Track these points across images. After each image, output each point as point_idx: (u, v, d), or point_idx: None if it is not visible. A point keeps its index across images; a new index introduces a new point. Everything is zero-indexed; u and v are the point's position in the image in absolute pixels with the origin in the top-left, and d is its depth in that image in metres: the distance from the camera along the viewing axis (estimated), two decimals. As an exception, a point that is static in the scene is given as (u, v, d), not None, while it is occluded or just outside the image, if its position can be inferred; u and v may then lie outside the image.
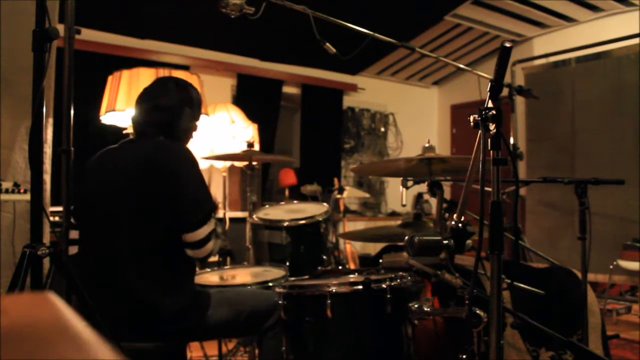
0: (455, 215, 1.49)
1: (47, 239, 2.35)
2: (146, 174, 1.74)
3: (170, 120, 1.87)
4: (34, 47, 1.42)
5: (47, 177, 2.51)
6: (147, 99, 1.89)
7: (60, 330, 0.41)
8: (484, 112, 1.28)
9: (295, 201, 3.26)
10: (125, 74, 2.74)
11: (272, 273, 2.36)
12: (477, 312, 1.61)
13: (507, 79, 2.88)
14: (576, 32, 5.54)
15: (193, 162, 1.78)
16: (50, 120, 2.58)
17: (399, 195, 2.12)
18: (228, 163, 3.72)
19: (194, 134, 2.00)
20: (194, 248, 1.76)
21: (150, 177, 1.74)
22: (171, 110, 1.87)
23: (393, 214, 6.69)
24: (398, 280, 1.78)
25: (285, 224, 2.58)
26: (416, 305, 1.78)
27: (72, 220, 1.91)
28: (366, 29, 2.13)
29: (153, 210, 1.73)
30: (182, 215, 1.74)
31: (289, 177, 5.53)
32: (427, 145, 1.97)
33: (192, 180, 1.76)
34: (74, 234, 1.91)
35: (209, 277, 2.38)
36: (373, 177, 6.82)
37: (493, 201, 1.30)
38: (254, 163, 2.90)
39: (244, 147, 2.85)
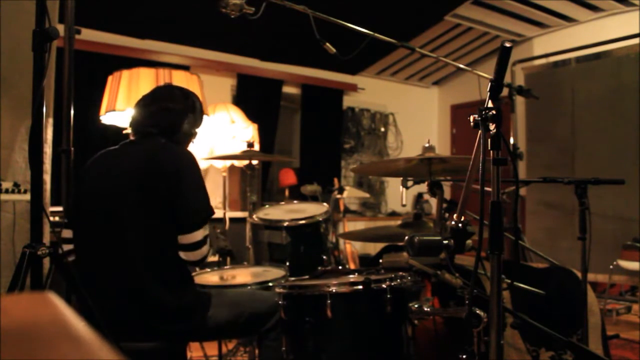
0: (455, 215, 1.49)
1: (47, 239, 2.35)
2: (148, 174, 1.75)
3: (173, 123, 1.89)
4: (34, 47, 1.42)
5: (47, 177, 2.51)
6: (151, 101, 1.91)
7: (60, 330, 0.41)
8: (484, 112, 1.28)
9: (295, 201, 3.26)
10: (125, 74, 2.74)
11: (272, 273, 2.36)
12: (477, 312, 1.61)
13: (507, 79, 2.88)
14: (576, 32, 5.54)
15: (195, 166, 1.79)
16: (50, 120, 2.58)
17: (399, 195, 2.12)
18: (228, 163, 3.72)
19: (193, 140, 2.02)
20: (188, 250, 1.77)
21: (152, 177, 1.74)
22: (175, 113, 1.89)
23: (393, 214, 6.69)
24: (398, 280, 1.78)
25: (285, 224, 2.58)
26: (416, 305, 1.78)
27: (65, 219, 1.92)
28: (366, 29, 2.13)
29: (154, 210, 1.74)
30: (179, 216, 1.74)
31: (289, 177, 5.53)
32: (427, 145, 1.97)
33: (192, 183, 1.77)
34: (66, 233, 1.92)
35: (209, 277, 2.38)
36: (373, 177, 6.82)
37: (493, 201, 1.30)
38: (254, 163, 2.90)
39: (244, 147, 2.85)
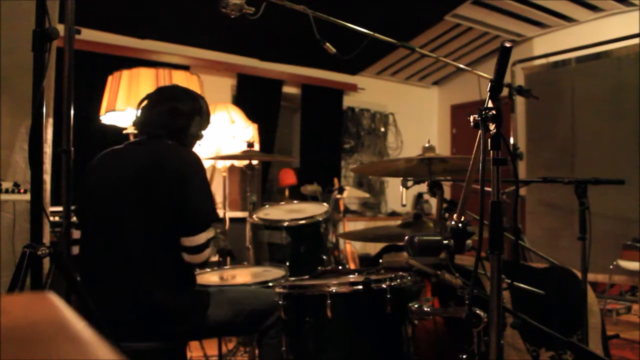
0: (455, 215, 1.49)
1: (47, 239, 2.35)
2: (154, 176, 1.74)
3: (182, 126, 1.88)
4: (34, 47, 1.42)
5: (47, 177, 2.51)
6: (159, 102, 1.89)
7: (60, 330, 0.41)
8: (484, 112, 1.28)
9: (295, 201, 3.26)
10: (125, 74, 2.74)
11: (272, 273, 2.36)
12: (477, 312, 1.61)
13: (507, 79, 2.88)
14: (576, 32, 5.54)
15: (200, 168, 1.79)
16: (50, 120, 2.58)
17: (399, 195, 2.12)
18: (228, 163, 3.72)
19: (199, 142, 2.01)
20: (191, 253, 1.77)
21: (155, 178, 1.74)
22: (184, 116, 1.88)
23: (393, 214, 6.69)
24: (398, 280, 1.78)
25: (285, 224, 2.58)
26: (416, 305, 1.78)
27: (74, 219, 1.91)
28: (366, 29, 2.13)
29: (156, 211, 1.73)
30: (184, 219, 1.74)
31: (289, 177, 5.53)
32: (427, 145, 1.97)
33: (198, 186, 1.77)
34: (76, 234, 1.91)
35: (209, 277, 2.38)
36: (373, 177, 6.82)
37: (493, 201, 1.30)
38: (254, 163, 2.90)
39: (244, 147, 2.85)
